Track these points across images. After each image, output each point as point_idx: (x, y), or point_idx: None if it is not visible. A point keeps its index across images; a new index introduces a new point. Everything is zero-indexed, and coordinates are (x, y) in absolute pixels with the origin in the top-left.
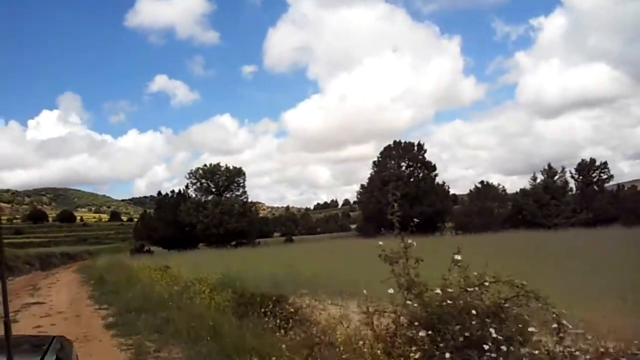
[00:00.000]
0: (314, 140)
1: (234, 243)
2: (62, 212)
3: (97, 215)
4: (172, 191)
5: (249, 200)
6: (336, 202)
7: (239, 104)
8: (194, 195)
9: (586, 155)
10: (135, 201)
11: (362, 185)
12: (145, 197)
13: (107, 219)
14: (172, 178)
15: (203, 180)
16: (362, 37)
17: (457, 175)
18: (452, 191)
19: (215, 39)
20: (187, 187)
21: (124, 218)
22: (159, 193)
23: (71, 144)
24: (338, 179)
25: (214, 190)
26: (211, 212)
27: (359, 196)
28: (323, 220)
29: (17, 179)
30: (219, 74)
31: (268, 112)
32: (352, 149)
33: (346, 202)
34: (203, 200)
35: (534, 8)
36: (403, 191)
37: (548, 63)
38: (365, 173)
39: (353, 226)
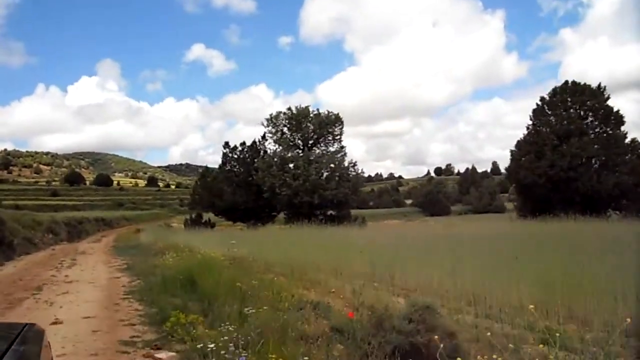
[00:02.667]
0: (348, 113)
1: (321, 217)
2: (98, 175)
3: (133, 180)
4: (243, 143)
5: (347, 158)
6: (380, 175)
7: (275, 74)
8: (273, 149)
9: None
10: (171, 168)
11: (518, 143)
12: (180, 164)
13: (143, 185)
14: (207, 147)
15: (285, 131)
16: (402, 10)
17: (493, 155)
18: None
19: (251, 8)
20: (263, 137)
21: (161, 184)
22: (226, 144)
23: (109, 110)
24: (371, 154)
25: (300, 142)
26: (303, 172)
27: (512, 157)
28: (375, 195)
29: (57, 142)
30: (255, 43)
31: (303, 83)
32: (387, 124)
33: (391, 175)
34: (289, 155)
35: None
36: (590, 152)
37: (596, 41)
38: (400, 149)
39: (408, 202)
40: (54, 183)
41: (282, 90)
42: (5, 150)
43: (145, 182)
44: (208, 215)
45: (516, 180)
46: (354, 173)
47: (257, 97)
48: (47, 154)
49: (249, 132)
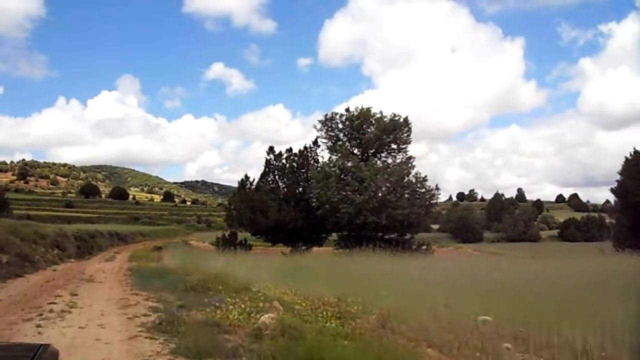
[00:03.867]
0: None
1: (381, 241)
2: (114, 188)
3: (149, 195)
4: (289, 149)
5: (415, 170)
6: None
7: (293, 95)
8: (327, 159)
9: None
10: (187, 185)
11: (631, 159)
12: (196, 181)
13: (159, 200)
14: (223, 165)
15: (341, 136)
16: (421, 35)
17: (511, 182)
18: None
19: (271, 29)
20: (315, 142)
21: (177, 200)
22: (271, 149)
23: (127, 125)
24: None
25: (358, 150)
26: (368, 185)
27: (625, 174)
28: None
29: (75, 155)
30: (274, 64)
31: (320, 105)
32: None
33: None
34: (349, 164)
35: (605, 13)
36: None
37: (616, 71)
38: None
39: (435, 227)
40: (69, 195)
41: (299, 111)
42: (23, 160)
43: (161, 197)
44: (244, 235)
45: (634, 203)
46: (422, 190)
47: (274, 117)
48: (64, 165)
49: (265, 152)
